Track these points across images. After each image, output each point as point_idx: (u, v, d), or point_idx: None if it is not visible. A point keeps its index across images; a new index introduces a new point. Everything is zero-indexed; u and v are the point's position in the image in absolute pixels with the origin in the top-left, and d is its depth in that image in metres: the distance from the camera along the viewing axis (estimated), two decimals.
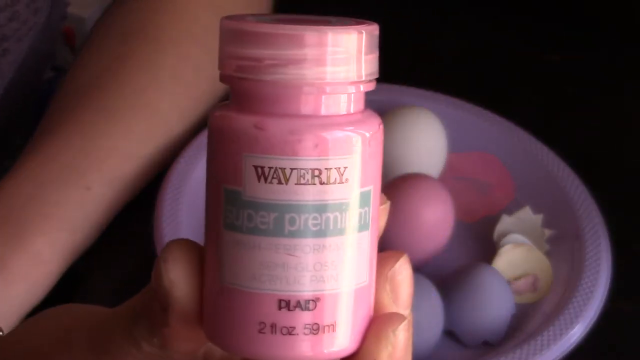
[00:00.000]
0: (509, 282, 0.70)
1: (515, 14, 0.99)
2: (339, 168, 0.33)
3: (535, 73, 0.93)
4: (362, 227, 0.34)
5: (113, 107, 0.71)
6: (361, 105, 0.35)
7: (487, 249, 0.73)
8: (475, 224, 0.76)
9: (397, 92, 0.82)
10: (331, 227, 0.33)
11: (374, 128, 0.35)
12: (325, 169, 0.33)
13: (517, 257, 0.72)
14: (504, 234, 0.73)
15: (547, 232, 0.73)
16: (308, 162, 0.33)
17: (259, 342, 0.34)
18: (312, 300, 0.34)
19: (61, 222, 0.67)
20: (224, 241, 0.34)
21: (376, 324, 0.35)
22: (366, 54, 0.35)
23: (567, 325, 0.66)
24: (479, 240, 0.75)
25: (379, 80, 0.93)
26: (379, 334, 0.35)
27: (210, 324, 0.35)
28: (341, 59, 0.34)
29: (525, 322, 0.69)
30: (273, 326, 0.34)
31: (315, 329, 0.34)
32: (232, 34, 0.34)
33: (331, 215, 0.33)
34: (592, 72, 0.93)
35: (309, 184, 0.33)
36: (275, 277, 0.33)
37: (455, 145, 0.79)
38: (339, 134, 0.33)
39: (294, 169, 0.33)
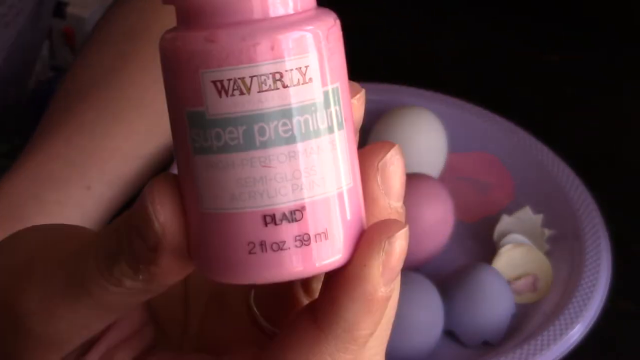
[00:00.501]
0: (509, 282, 0.70)
1: (515, 14, 0.99)
2: (300, 68, 0.32)
3: (535, 73, 0.93)
4: (336, 126, 0.33)
5: (115, 107, 0.71)
6: (312, 2, 0.34)
7: (487, 249, 0.73)
8: (475, 224, 0.76)
9: (397, 92, 0.82)
10: (303, 130, 0.32)
11: (329, 23, 0.33)
12: (286, 70, 0.32)
13: (517, 257, 0.72)
14: (504, 234, 0.73)
15: (547, 232, 0.73)
16: (266, 66, 0.31)
17: (251, 264, 0.32)
18: (298, 210, 0.32)
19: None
20: (197, 167, 0.32)
21: (370, 230, 0.33)
22: None
23: (567, 325, 0.66)
24: (479, 240, 0.75)
25: (379, 80, 0.93)
26: (372, 241, 0.33)
27: (198, 256, 0.33)
28: None
29: (525, 322, 0.69)
30: (262, 244, 0.32)
31: (306, 239, 0.32)
32: None
33: (301, 119, 0.32)
34: (591, 72, 0.93)
35: (272, 90, 0.32)
36: (255, 192, 0.32)
37: (455, 145, 0.79)
38: (293, 32, 0.32)
39: (254, 76, 0.31)
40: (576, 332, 0.66)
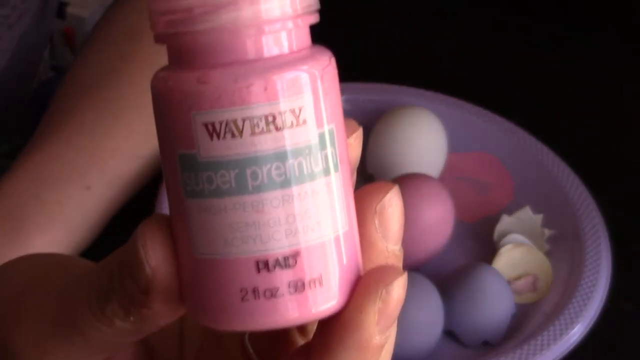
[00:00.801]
0: (509, 282, 0.70)
1: (515, 15, 0.99)
2: (294, 109, 0.31)
3: (535, 73, 0.93)
4: (332, 168, 0.32)
5: (115, 107, 0.71)
6: (306, 41, 0.33)
7: (487, 249, 0.73)
8: (475, 224, 0.76)
9: (397, 92, 0.82)
10: (297, 174, 0.31)
11: (324, 63, 0.32)
12: (279, 113, 0.31)
13: (517, 257, 0.72)
14: (504, 234, 0.73)
15: (547, 232, 0.73)
16: (260, 108, 0.31)
17: (244, 311, 0.31)
18: (291, 256, 0.31)
19: (61, 221, 0.67)
20: (189, 211, 0.32)
21: (367, 277, 0.33)
22: None
23: (567, 325, 0.66)
24: (479, 240, 0.75)
25: (379, 80, 0.93)
26: (369, 288, 0.32)
27: (190, 301, 0.32)
28: None
29: (525, 322, 0.69)
30: (255, 291, 0.31)
31: (300, 285, 0.31)
32: None
33: (294, 162, 0.31)
34: (591, 72, 0.93)
35: (265, 132, 0.31)
36: (248, 237, 0.31)
37: (455, 145, 0.79)
38: (287, 72, 0.31)
39: (246, 118, 0.31)
40: (576, 332, 0.66)
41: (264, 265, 0.31)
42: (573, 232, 0.72)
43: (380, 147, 0.77)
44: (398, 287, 0.33)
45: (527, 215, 0.74)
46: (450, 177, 0.78)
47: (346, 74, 0.93)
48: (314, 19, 0.33)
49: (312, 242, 0.32)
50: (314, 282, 0.32)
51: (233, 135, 0.31)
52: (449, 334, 0.69)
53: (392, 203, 0.34)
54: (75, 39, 0.94)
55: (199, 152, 0.31)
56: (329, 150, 0.32)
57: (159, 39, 0.33)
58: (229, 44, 0.31)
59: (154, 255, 0.32)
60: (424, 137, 0.77)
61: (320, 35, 1.00)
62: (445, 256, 0.72)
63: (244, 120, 0.31)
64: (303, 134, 0.31)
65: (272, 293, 0.31)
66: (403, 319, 0.65)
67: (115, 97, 0.71)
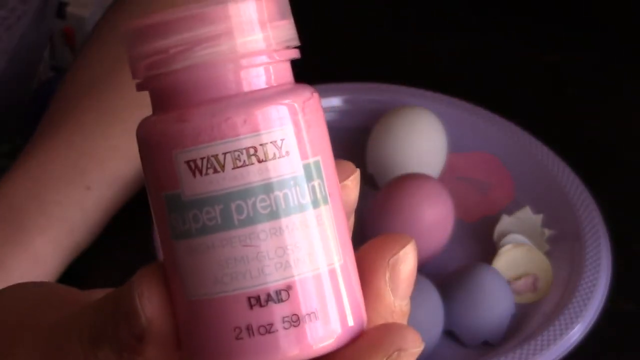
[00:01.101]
0: (509, 282, 0.70)
1: (515, 15, 0.99)
2: (275, 141, 0.31)
3: (535, 73, 0.93)
4: (320, 201, 0.31)
5: (114, 107, 0.71)
6: (287, 77, 0.32)
7: (487, 249, 0.73)
8: (475, 224, 0.76)
9: (397, 92, 0.82)
10: (283, 206, 0.31)
11: (305, 96, 0.32)
12: (260, 144, 0.31)
13: (517, 257, 0.72)
14: (504, 234, 0.73)
15: (547, 232, 0.73)
16: (240, 141, 0.31)
17: (239, 350, 0.31)
18: (284, 290, 0.31)
19: (61, 222, 0.67)
20: (178, 254, 0.31)
21: (372, 334, 0.32)
22: (272, 20, 0.32)
23: (567, 325, 0.66)
24: (479, 240, 0.75)
25: (379, 80, 0.93)
26: (375, 348, 0.31)
27: (187, 346, 0.32)
28: (246, 30, 0.31)
29: (525, 322, 0.69)
30: (249, 328, 0.31)
31: (295, 320, 0.31)
32: (133, 35, 0.32)
33: (280, 194, 0.31)
34: (591, 72, 0.93)
35: (248, 165, 0.31)
36: (237, 274, 0.31)
37: (455, 145, 0.79)
38: (266, 104, 0.31)
39: (227, 152, 0.30)
40: (576, 332, 0.66)
41: (256, 301, 0.31)
42: (573, 232, 0.72)
43: (380, 147, 0.77)
44: (409, 350, 0.32)
45: (527, 215, 0.74)
46: (450, 177, 0.78)
47: (346, 74, 0.93)
48: (293, 54, 0.33)
49: (305, 275, 0.31)
50: (310, 316, 0.31)
51: (215, 171, 0.31)
52: (449, 334, 0.68)
53: (406, 259, 0.33)
54: (75, 39, 0.94)
55: (183, 191, 0.31)
56: (315, 182, 0.32)
57: (141, 86, 0.33)
58: (206, 81, 0.31)
59: (150, 305, 0.32)
60: (424, 137, 0.77)
61: (320, 35, 1.00)
62: (445, 256, 0.72)
63: (225, 154, 0.31)
64: (287, 165, 0.31)
65: (267, 329, 0.31)
66: None
67: (115, 97, 0.71)
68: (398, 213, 0.70)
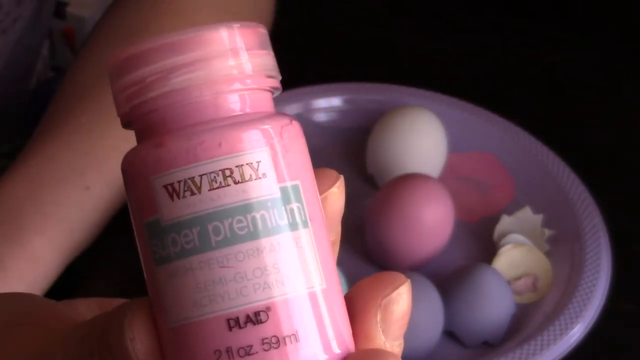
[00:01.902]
0: (509, 282, 0.70)
1: (515, 15, 0.99)
2: (252, 163, 0.31)
3: (535, 74, 0.93)
4: (299, 224, 0.32)
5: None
6: (266, 106, 0.33)
7: (487, 249, 0.73)
8: (475, 224, 0.76)
9: (397, 92, 0.82)
10: (260, 227, 0.31)
11: (283, 122, 0.32)
12: (237, 166, 0.31)
13: (517, 257, 0.72)
14: (504, 234, 0.73)
15: (547, 232, 0.73)
16: (216, 163, 0.31)
17: None
18: (262, 311, 0.31)
19: (59, 222, 0.67)
20: (159, 279, 0.31)
21: (361, 357, 0.31)
22: (247, 49, 0.32)
23: (567, 325, 0.66)
24: (479, 240, 0.75)
25: (379, 80, 0.93)
26: None
27: None
28: (219, 58, 0.32)
29: (525, 322, 0.69)
30: (229, 351, 0.31)
31: (275, 342, 0.31)
32: (115, 70, 0.33)
33: (257, 215, 0.31)
34: (591, 72, 0.93)
35: (224, 186, 0.31)
36: (216, 295, 0.31)
37: (455, 145, 0.79)
38: (242, 128, 0.31)
39: (204, 174, 0.31)
40: (576, 332, 0.66)
41: (235, 323, 0.31)
42: (573, 232, 0.72)
43: (380, 147, 0.77)
44: None
45: (527, 215, 0.74)
46: (450, 177, 0.78)
47: (347, 74, 0.93)
48: (272, 83, 0.33)
49: (283, 297, 0.31)
50: (291, 338, 0.31)
51: (192, 193, 0.31)
52: (449, 334, 0.68)
53: (399, 300, 0.33)
54: (75, 39, 0.94)
55: (162, 216, 0.31)
56: (294, 205, 0.32)
57: (125, 119, 0.33)
58: (182, 107, 0.32)
59: (142, 348, 0.31)
60: (424, 137, 0.77)
61: (321, 35, 1.00)
62: (445, 256, 0.72)
63: (201, 177, 0.31)
64: (264, 187, 0.31)
65: (247, 351, 0.31)
66: None
67: None
68: (398, 213, 0.70)
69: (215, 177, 0.31)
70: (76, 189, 0.68)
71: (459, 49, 0.96)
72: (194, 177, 0.31)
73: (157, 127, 0.32)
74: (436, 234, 0.71)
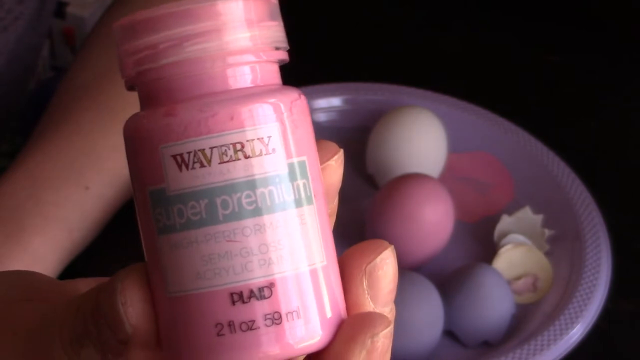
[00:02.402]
0: (509, 282, 0.70)
1: (515, 15, 0.99)
2: (262, 138, 0.31)
3: (535, 73, 0.93)
4: (304, 200, 0.32)
5: (113, 107, 0.71)
6: (274, 78, 0.33)
7: (487, 249, 0.73)
8: (475, 224, 0.76)
9: (397, 92, 0.82)
10: (268, 203, 0.31)
11: (292, 97, 0.32)
12: (247, 140, 0.31)
13: (517, 257, 0.72)
14: (504, 234, 0.73)
15: (547, 232, 0.73)
16: (227, 136, 0.31)
17: (221, 347, 0.31)
18: (267, 287, 0.31)
19: (59, 222, 0.67)
20: (161, 249, 0.31)
21: (352, 323, 0.32)
22: (260, 21, 0.32)
23: (567, 325, 0.66)
24: (479, 240, 0.75)
25: (379, 80, 0.93)
26: (354, 336, 0.31)
27: (168, 344, 0.32)
28: (234, 28, 0.31)
29: (525, 322, 0.69)
30: (231, 324, 0.31)
31: (277, 317, 0.31)
32: (124, 32, 0.32)
33: (265, 190, 0.31)
34: (591, 72, 0.93)
35: (234, 160, 0.31)
36: (220, 269, 0.31)
37: (455, 145, 0.79)
38: (253, 102, 0.31)
39: (214, 147, 0.31)
40: (576, 332, 0.66)
41: (238, 297, 0.31)
42: (573, 232, 0.72)
43: (380, 147, 0.77)
44: (384, 338, 0.32)
45: (527, 215, 0.74)
46: (450, 177, 0.78)
47: (347, 74, 0.93)
48: (281, 55, 0.33)
49: (287, 273, 0.31)
50: (292, 314, 0.31)
51: (202, 165, 0.31)
52: (449, 334, 0.68)
53: (383, 265, 0.33)
54: (75, 39, 0.94)
55: (169, 186, 0.31)
56: (300, 181, 0.32)
57: (129, 82, 0.33)
58: (193, 77, 0.32)
59: (133, 311, 0.32)
60: (424, 137, 0.77)
61: (321, 36, 1.00)
62: (445, 256, 0.72)
63: (212, 149, 0.31)
64: (273, 162, 0.31)
65: (249, 326, 0.31)
66: (403, 319, 0.65)
67: (114, 96, 0.71)
68: (398, 213, 0.70)
69: (226, 150, 0.31)
70: (76, 188, 0.68)
71: (459, 49, 0.96)
72: (204, 149, 0.31)
73: (167, 95, 0.32)
74: (436, 234, 0.71)
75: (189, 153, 0.31)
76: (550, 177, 0.76)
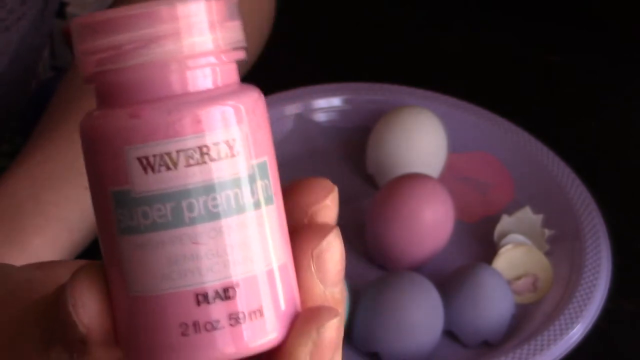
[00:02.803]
0: (509, 282, 0.70)
1: (515, 15, 0.99)
2: (227, 141, 0.31)
3: (535, 73, 0.93)
4: (263, 201, 0.32)
5: None
6: (234, 77, 0.33)
7: (487, 249, 0.73)
8: (475, 224, 0.76)
9: (397, 92, 0.82)
10: (233, 205, 0.31)
11: (253, 97, 0.32)
12: (213, 144, 0.31)
13: (517, 257, 0.72)
14: (504, 234, 0.73)
15: (547, 232, 0.73)
16: (193, 140, 0.31)
17: (184, 346, 0.31)
18: (232, 288, 0.31)
19: (59, 222, 0.67)
20: (123, 248, 0.31)
21: (302, 317, 0.32)
22: (222, 22, 0.32)
23: (567, 325, 0.66)
24: (479, 240, 0.75)
25: (379, 80, 0.93)
26: (302, 329, 0.32)
27: (127, 343, 0.32)
28: (196, 30, 0.31)
29: (525, 322, 0.69)
30: (196, 325, 0.31)
31: (242, 317, 0.31)
32: (85, 29, 0.32)
33: (230, 193, 0.31)
34: (591, 72, 0.93)
35: (199, 164, 0.31)
36: (186, 270, 0.31)
37: (455, 145, 0.79)
38: (218, 105, 0.31)
39: (180, 150, 0.31)
40: (576, 332, 0.66)
41: (203, 298, 0.31)
42: (573, 232, 0.72)
43: (380, 147, 0.77)
44: (330, 329, 0.32)
45: (527, 215, 0.74)
46: (450, 177, 0.78)
47: (347, 74, 0.93)
48: (240, 55, 0.33)
49: (250, 274, 0.32)
50: (253, 314, 0.32)
51: (168, 168, 0.31)
52: (449, 334, 0.68)
53: (329, 248, 0.33)
54: None
55: (133, 187, 0.31)
56: (259, 183, 0.32)
57: (89, 79, 0.33)
58: (159, 79, 0.31)
59: (85, 312, 0.32)
60: (424, 137, 0.77)
61: (322, 36, 1.00)
62: (445, 256, 0.72)
63: (178, 152, 0.31)
64: (235, 165, 0.32)
65: (213, 326, 0.31)
66: (403, 319, 0.65)
67: None
68: (398, 213, 0.70)
69: (192, 153, 0.31)
70: (76, 188, 0.68)
71: (459, 49, 0.96)
72: (170, 153, 0.31)
73: (130, 96, 0.32)
74: (436, 234, 0.71)
75: (154, 156, 0.31)
76: (550, 177, 0.76)
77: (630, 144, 0.86)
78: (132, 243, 0.31)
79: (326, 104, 0.82)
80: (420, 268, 0.71)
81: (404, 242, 0.70)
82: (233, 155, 0.31)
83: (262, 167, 0.32)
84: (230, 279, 0.31)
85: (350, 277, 0.67)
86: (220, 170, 0.31)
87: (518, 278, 0.71)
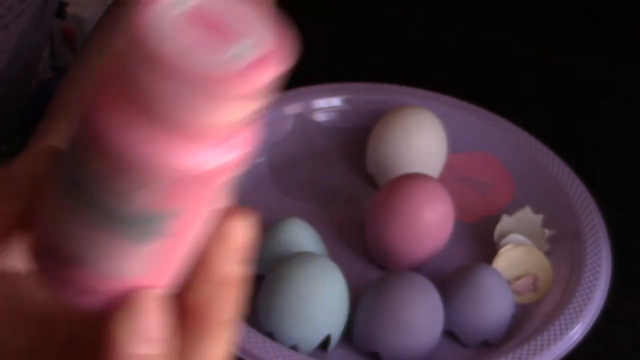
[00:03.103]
0: (509, 282, 0.70)
1: (516, 15, 0.99)
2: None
3: (536, 73, 0.94)
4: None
5: None
6: None
7: (487, 249, 0.73)
8: (475, 224, 0.76)
9: (397, 92, 0.82)
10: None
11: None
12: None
13: (517, 257, 0.72)
14: (504, 234, 0.73)
15: (547, 232, 0.73)
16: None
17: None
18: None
19: None
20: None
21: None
22: None
23: (567, 325, 0.66)
24: (479, 240, 0.75)
25: (380, 81, 0.92)
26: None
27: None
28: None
29: (525, 322, 0.69)
30: None
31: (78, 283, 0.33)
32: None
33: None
34: (591, 72, 0.93)
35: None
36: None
37: (455, 145, 0.79)
38: None
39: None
40: (576, 332, 0.66)
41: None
42: (573, 232, 0.72)
43: (380, 147, 0.77)
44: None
45: (527, 215, 0.74)
46: (450, 177, 0.78)
47: (347, 74, 0.93)
48: None
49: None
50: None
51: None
52: (449, 334, 0.68)
53: (237, 227, 0.33)
54: (75, 39, 0.94)
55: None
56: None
57: None
58: None
59: None
60: (424, 137, 0.77)
61: (322, 36, 0.99)
62: (445, 256, 0.72)
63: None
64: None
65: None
66: (403, 319, 0.65)
67: None
68: (398, 213, 0.70)
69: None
70: None
71: (460, 49, 0.96)
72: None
73: None
74: (436, 234, 0.71)
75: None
76: (550, 177, 0.76)
77: (630, 144, 0.86)
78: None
79: (326, 104, 0.82)
80: (420, 268, 0.71)
81: (404, 242, 0.70)
82: None
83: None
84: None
85: (350, 277, 0.67)
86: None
87: (518, 278, 0.71)
